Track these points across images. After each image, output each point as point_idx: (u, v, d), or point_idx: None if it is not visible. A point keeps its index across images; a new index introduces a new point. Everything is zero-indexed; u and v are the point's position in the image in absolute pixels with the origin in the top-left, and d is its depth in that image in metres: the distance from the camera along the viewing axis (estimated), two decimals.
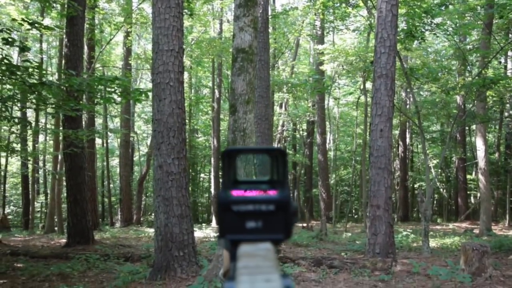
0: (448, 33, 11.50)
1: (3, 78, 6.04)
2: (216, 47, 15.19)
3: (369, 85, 14.65)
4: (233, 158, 0.46)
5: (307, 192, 21.77)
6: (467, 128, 20.23)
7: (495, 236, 11.49)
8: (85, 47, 12.50)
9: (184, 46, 6.45)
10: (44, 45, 19.64)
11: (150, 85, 19.57)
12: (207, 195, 24.74)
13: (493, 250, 7.60)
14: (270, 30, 13.50)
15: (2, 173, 19.92)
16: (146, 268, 6.26)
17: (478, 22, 12.66)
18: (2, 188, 19.94)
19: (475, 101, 11.80)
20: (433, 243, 9.91)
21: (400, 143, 20.62)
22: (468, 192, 20.42)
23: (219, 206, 0.42)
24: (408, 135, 21.27)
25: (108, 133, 20.41)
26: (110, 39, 16.57)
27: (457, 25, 12.46)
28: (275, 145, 18.23)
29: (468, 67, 12.54)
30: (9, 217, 20.69)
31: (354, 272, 6.04)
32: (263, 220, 0.41)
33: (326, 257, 6.91)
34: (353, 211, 22.65)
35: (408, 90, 16.10)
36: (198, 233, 11.48)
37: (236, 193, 0.43)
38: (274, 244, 0.41)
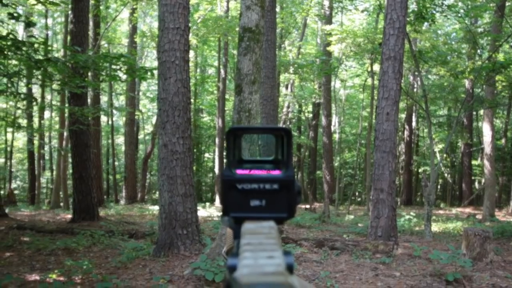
0: (459, 15, 11.26)
1: (9, 53, 6.01)
2: (223, 26, 15.00)
3: (376, 67, 14.47)
4: (238, 137, 0.46)
5: (311, 174, 21.82)
6: (474, 113, 20.05)
7: (498, 222, 11.52)
8: (91, 23, 12.40)
9: (190, 25, 6.37)
10: (50, 21, 19.51)
11: (155, 63, 19.49)
12: (211, 174, 24.87)
13: (495, 236, 7.62)
14: (277, 9, 13.28)
15: (8, 149, 20.11)
16: (149, 245, 6.35)
17: (490, 5, 12.37)
18: (9, 164, 20.17)
19: (484, 86, 11.64)
20: (435, 227, 9.96)
21: (406, 127, 20.50)
22: (473, 178, 20.38)
23: (223, 184, 0.42)
24: (414, 119, 21.13)
25: (114, 111, 20.44)
26: (116, 16, 16.40)
27: (469, 7, 12.19)
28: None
29: (479, 50, 12.33)
30: (16, 192, 20.99)
31: (355, 254, 6.09)
32: (267, 199, 0.42)
33: (328, 239, 6.97)
34: (357, 194, 22.73)
35: (416, 73, 15.90)
36: (202, 212, 11.60)
37: (240, 172, 0.43)
38: (277, 223, 0.42)
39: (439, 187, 22.35)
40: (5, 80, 9.29)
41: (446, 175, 21.48)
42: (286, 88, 19.95)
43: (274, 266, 0.31)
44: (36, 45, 6.03)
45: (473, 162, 19.82)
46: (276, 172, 0.44)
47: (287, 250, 0.34)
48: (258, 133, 0.48)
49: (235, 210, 0.42)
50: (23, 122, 15.44)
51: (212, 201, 19.76)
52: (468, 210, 16.59)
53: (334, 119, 21.31)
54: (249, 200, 0.42)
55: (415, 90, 19.15)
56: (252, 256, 0.32)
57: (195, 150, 21.71)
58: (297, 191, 0.43)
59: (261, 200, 0.42)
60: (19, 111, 16.58)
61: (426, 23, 10.62)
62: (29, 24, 5.86)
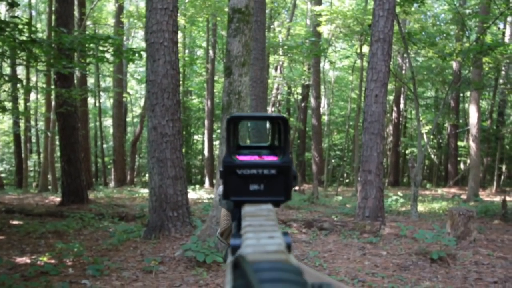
0: None
1: None
2: (211, 6, 14.77)
3: (365, 49, 14.46)
4: (236, 125, 0.48)
5: (300, 156, 21.97)
6: (461, 94, 20.26)
7: (482, 201, 11.81)
8: (76, 2, 12.09)
9: (177, 5, 6.26)
10: (33, 0, 18.96)
11: (142, 44, 19.16)
12: (200, 157, 24.88)
13: (479, 215, 7.84)
14: None
15: None
16: (140, 227, 6.39)
17: None
18: None
19: (471, 68, 11.74)
20: (421, 207, 10.17)
21: (394, 108, 20.65)
22: (458, 159, 20.74)
23: (224, 169, 0.44)
24: (402, 101, 21.28)
25: (101, 93, 20.16)
26: None
27: None
28: (270, 108, 18.16)
29: (467, 32, 12.37)
30: (2, 175, 20.75)
31: (343, 234, 6.22)
32: (265, 183, 0.44)
33: (317, 220, 7.08)
34: (345, 175, 22.99)
35: (404, 55, 15.93)
36: (192, 195, 11.64)
37: (240, 158, 0.46)
38: (275, 205, 0.44)
39: (425, 168, 22.71)
40: None
41: (432, 156, 21.81)
42: (276, 70, 19.85)
43: (275, 246, 0.33)
44: (20, 26, 5.89)
45: (459, 143, 20.14)
46: (274, 158, 0.46)
47: (285, 231, 0.37)
48: (257, 120, 0.51)
49: (235, 194, 0.44)
50: (8, 104, 15.16)
51: (202, 183, 19.82)
52: (453, 190, 16.95)
53: (323, 101, 21.36)
54: (249, 184, 0.44)
55: (403, 72, 19.23)
56: (254, 236, 0.35)
57: (184, 133, 21.63)
58: (293, 176, 0.45)
59: (259, 185, 0.44)
60: (3, 94, 16.26)
61: (415, 4, 10.60)
62: (12, 4, 5.70)
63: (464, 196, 13.31)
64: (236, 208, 0.46)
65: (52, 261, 4.60)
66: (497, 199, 12.31)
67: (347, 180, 22.81)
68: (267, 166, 0.44)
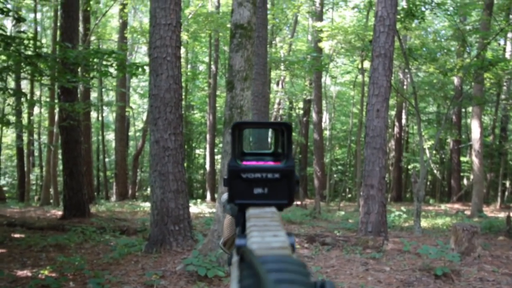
0: (448, 12, 11.37)
1: None
2: (214, 22, 14.96)
3: (367, 64, 14.56)
4: (241, 131, 0.49)
5: (302, 171, 21.92)
6: (463, 110, 20.29)
7: (486, 217, 11.71)
8: (80, 18, 12.27)
9: (181, 20, 6.35)
10: (38, 15, 19.25)
11: (145, 59, 19.35)
12: (202, 171, 24.84)
13: (483, 231, 7.77)
14: (268, 5, 13.28)
15: None
16: (141, 241, 6.35)
17: (479, 2, 12.50)
18: None
19: (473, 83, 11.79)
20: (424, 223, 10.10)
21: (396, 123, 20.67)
22: (462, 174, 20.65)
23: (229, 173, 0.45)
24: (404, 116, 21.31)
25: (104, 107, 20.29)
26: (106, 11, 16.27)
27: (458, 5, 12.32)
28: None
29: (467, 48, 12.47)
30: (5, 188, 20.75)
31: (346, 250, 6.16)
32: (269, 187, 0.45)
33: (319, 235, 7.03)
34: (347, 190, 22.90)
35: (405, 70, 16.03)
36: (193, 209, 11.60)
37: (245, 163, 0.47)
38: (278, 209, 0.45)
39: (428, 183, 22.60)
40: None
41: (435, 171, 21.73)
42: (277, 84, 19.98)
43: (279, 243, 0.34)
44: (26, 41, 5.97)
45: (462, 158, 20.09)
46: (277, 163, 0.47)
47: (289, 232, 0.38)
48: (261, 128, 0.52)
49: (240, 197, 0.45)
50: (12, 118, 15.25)
51: (203, 197, 19.75)
52: (457, 206, 16.83)
53: (325, 116, 21.41)
54: (253, 188, 0.45)
55: (405, 87, 19.31)
56: (259, 235, 0.36)
57: (186, 147, 21.66)
58: (296, 181, 0.46)
59: (263, 188, 0.45)
60: (7, 107, 16.39)
61: (416, 21, 10.72)
62: (19, 20, 5.80)
63: (467, 212, 13.21)
64: (240, 212, 0.47)
65: (53, 275, 4.57)
66: (502, 215, 12.21)
67: (349, 195, 22.70)
68: (271, 170, 0.45)
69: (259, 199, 0.45)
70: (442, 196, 21.90)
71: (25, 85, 18.87)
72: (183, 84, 18.03)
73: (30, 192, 17.90)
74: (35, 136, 19.53)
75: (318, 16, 18.27)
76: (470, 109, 18.04)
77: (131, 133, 23.55)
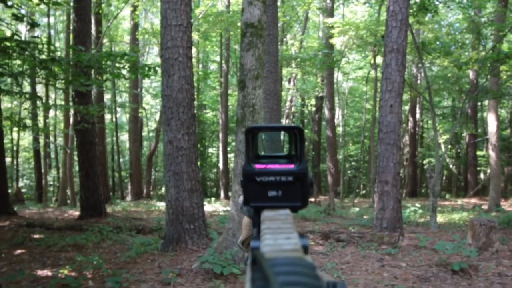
0: (462, 5, 11.20)
1: (14, 54, 6.06)
2: (224, 21, 14.99)
3: (379, 59, 14.43)
4: (254, 135, 0.50)
5: (315, 168, 21.86)
6: (479, 103, 19.95)
7: (504, 212, 11.51)
8: (93, 21, 12.43)
9: (191, 21, 6.39)
10: (52, 19, 19.55)
11: (157, 60, 19.48)
12: (215, 170, 24.96)
13: (501, 225, 7.65)
14: (278, 3, 13.24)
15: (15, 148, 20.26)
16: (157, 240, 6.43)
17: None
18: (15, 162, 20.33)
19: (488, 76, 11.59)
20: (440, 218, 9.98)
21: (410, 118, 20.45)
22: (478, 168, 20.34)
23: (244, 177, 0.46)
24: (418, 111, 21.07)
25: (117, 108, 20.52)
26: (117, 14, 16.43)
27: None
28: (284, 120, 18.20)
29: (482, 41, 12.26)
30: (23, 190, 21.16)
31: (361, 246, 6.14)
32: (283, 190, 0.46)
33: (334, 231, 7.02)
34: (361, 186, 22.74)
35: (419, 65, 15.84)
36: (208, 207, 11.67)
37: (259, 166, 0.48)
38: (293, 211, 0.46)
39: (444, 178, 22.31)
40: (9, 80, 9.37)
41: (451, 166, 21.44)
42: (289, 82, 19.94)
43: (291, 245, 0.35)
44: (40, 46, 6.08)
45: (478, 152, 19.77)
46: (291, 166, 0.48)
47: (303, 234, 0.39)
48: (274, 131, 0.53)
49: (255, 200, 0.46)
50: (29, 121, 15.55)
51: (217, 196, 19.85)
52: (473, 200, 16.58)
53: (338, 112, 21.29)
54: (267, 191, 0.46)
55: (418, 81, 19.08)
56: (272, 237, 0.37)
57: (199, 146, 21.78)
58: (310, 183, 0.47)
59: (277, 191, 0.46)
60: (24, 111, 16.71)
61: (429, 14, 10.58)
62: (33, 25, 5.90)
63: (485, 207, 13.01)
64: (256, 214, 0.48)
65: (73, 274, 4.66)
66: None
67: (363, 191, 22.55)
68: (284, 173, 0.46)
69: (273, 201, 0.46)
70: (458, 190, 21.60)
71: (40, 89, 19.20)
72: (195, 84, 18.13)
73: (47, 193, 18.23)
74: (51, 139, 19.85)
75: (329, 12, 18.16)
76: (486, 102, 17.73)
77: (144, 134, 23.78)
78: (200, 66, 22.54)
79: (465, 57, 13.40)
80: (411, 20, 8.85)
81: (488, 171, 17.25)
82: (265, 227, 0.40)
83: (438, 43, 11.75)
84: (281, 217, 0.43)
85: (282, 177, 0.46)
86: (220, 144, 18.93)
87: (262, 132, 0.51)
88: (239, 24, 13.46)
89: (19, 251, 6.07)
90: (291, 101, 19.92)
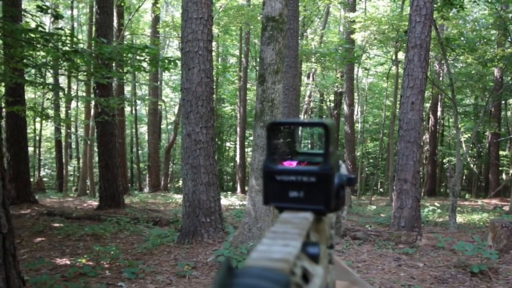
0: (489, 0, 10.87)
1: (38, 45, 6.17)
2: (245, 15, 14.95)
3: (401, 55, 14.17)
4: (276, 131, 0.46)
5: None
6: (503, 102, 19.43)
7: None
8: (115, 14, 12.56)
9: (212, 14, 6.38)
10: (75, 12, 19.85)
11: (177, 53, 19.60)
12: (232, 164, 25.06)
13: None
14: None
15: (37, 138, 20.74)
16: (174, 232, 6.49)
17: None
18: (38, 152, 20.82)
19: None
20: (460, 218, 9.79)
21: (431, 116, 20.06)
22: (500, 169, 19.84)
23: (264, 175, 0.43)
24: (439, 108, 20.64)
25: (137, 100, 20.77)
26: (139, 6, 16.56)
27: None
28: (302, 116, 18.09)
29: (509, 37, 11.88)
30: (44, 179, 21.67)
31: (378, 244, 6.07)
32: (305, 191, 0.42)
33: (350, 229, 6.96)
34: (379, 184, 22.49)
35: (442, 61, 15.50)
36: (224, 201, 11.72)
37: (284, 163, 0.45)
38: (317, 215, 0.42)
39: (464, 177, 21.86)
40: (33, 71, 9.56)
41: (472, 165, 20.98)
42: (308, 77, 19.78)
43: (282, 254, 0.30)
44: (63, 37, 6.17)
45: (501, 152, 19.27)
46: (315, 166, 0.44)
47: (314, 241, 0.35)
48: (297, 126, 0.49)
49: (274, 200, 0.43)
50: (51, 112, 15.87)
51: (233, 190, 19.93)
52: (494, 201, 16.20)
53: (357, 108, 21.05)
54: (288, 191, 0.42)
55: (441, 78, 18.68)
56: (269, 243, 0.33)
57: (216, 140, 21.87)
58: (339, 184, 0.42)
59: (299, 192, 0.42)
60: (47, 101, 17.06)
61: (454, 9, 10.30)
62: (57, 17, 5.98)
63: (506, 208, 12.69)
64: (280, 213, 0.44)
65: (90, 263, 4.74)
66: None
67: (381, 189, 22.29)
68: (306, 173, 0.42)
69: (294, 203, 0.42)
70: (479, 191, 21.13)
71: (62, 80, 19.55)
72: (214, 78, 18.20)
73: (68, 183, 18.62)
74: (72, 129, 20.25)
75: (351, 6, 17.88)
76: (510, 101, 17.25)
77: (163, 126, 24.01)
78: (220, 60, 22.57)
79: (491, 54, 13.03)
80: (435, 15, 8.65)
81: (511, 171, 16.81)
82: (273, 230, 0.36)
83: (462, 39, 11.44)
84: (295, 221, 0.39)
85: (304, 177, 0.42)
86: (238, 139, 18.98)
87: (284, 126, 0.47)
88: (259, 18, 13.40)
89: (39, 239, 6.21)
90: (310, 96, 19.78)
